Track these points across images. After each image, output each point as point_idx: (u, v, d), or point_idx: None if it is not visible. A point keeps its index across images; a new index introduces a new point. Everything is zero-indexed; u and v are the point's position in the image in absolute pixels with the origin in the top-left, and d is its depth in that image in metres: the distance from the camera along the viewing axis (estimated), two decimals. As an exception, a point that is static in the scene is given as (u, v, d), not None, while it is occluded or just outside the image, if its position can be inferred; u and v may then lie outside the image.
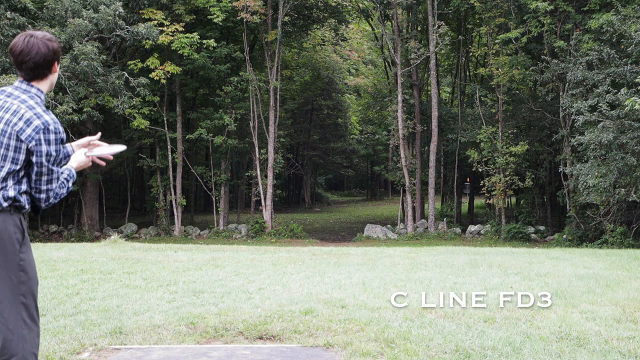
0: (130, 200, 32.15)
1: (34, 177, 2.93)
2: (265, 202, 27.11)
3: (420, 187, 28.59)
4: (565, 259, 10.32)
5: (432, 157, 27.06)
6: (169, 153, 27.27)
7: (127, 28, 23.32)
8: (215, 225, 27.93)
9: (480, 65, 29.98)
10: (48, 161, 2.91)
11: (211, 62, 26.11)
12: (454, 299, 5.89)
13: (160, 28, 24.10)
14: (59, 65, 3.10)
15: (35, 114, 2.89)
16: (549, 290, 6.81)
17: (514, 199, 31.79)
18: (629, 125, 18.54)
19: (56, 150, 2.92)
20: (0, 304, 2.87)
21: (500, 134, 25.35)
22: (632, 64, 19.59)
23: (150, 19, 24.31)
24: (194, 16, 25.98)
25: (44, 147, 2.88)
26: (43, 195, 2.97)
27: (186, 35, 24.32)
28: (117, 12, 22.69)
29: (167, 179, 27.75)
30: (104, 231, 26.94)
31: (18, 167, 2.90)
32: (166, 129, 27.05)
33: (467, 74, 33.89)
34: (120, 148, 3.37)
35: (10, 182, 2.90)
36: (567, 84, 22.29)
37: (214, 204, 28.67)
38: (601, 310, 5.73)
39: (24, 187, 2.94)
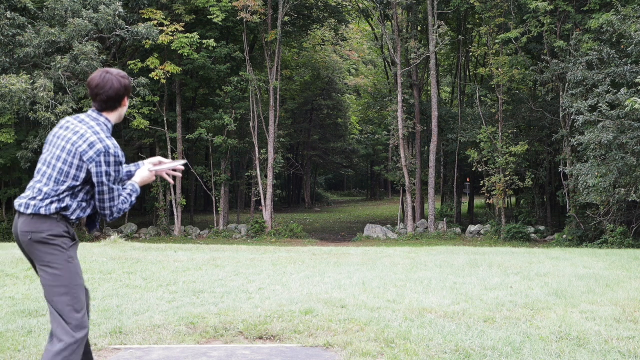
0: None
1: (97, 195, 3.28)
2: (265, 202, 27.12)
3: (420, 187, 28.60)
4: (565, 259, 10.32)
5: (432, 157, 27.07)
6: (169, 153, 27.26)
7: (127, 28, 23.32)
8: (215, 225, 27.93)
9: (480, 65, 29.99)
10: (108, 181, 3.25)
11: (211, 62, 26.11)
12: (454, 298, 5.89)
13: (160, 28, 24.11)
14: (128, 100, 3.49)
15: (98, 138, 3.24)
16: (549, 290, 6.82)
17: (514, 199, 31.80)
18: (629, 125, 18.54)
19: (115, 171, 3.26)
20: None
21: (500, 134, 25.36)
22: (632, 64, 19.59)
23: (150, 19, 24.32)
24: (194, 16, 25.98)
25: (103, 168, 3.22)
26: (107, 212, 3.32)
27: (186, 35, 24.33)
28: (117, 12, 22.69)
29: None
30: (104, 231, 26.94)
31: (78, 183, 3.25)
32: (166, 129, 27.05)
33: (467, 74, 33.90)
34: (181, 162, 3.71)
35: (66, 195, 3.25)
36: (567, 84, 22.29)
37: (214, 204, 28.67)
38: (601, 310, 5.73)
39: (76, 201, 3.28)
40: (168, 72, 24.62)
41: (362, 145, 49.30)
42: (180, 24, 24.76)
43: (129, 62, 25.42)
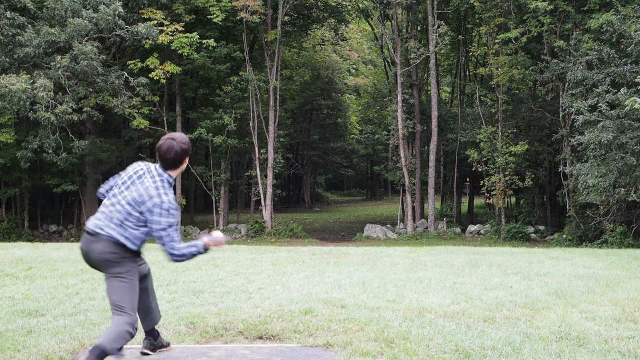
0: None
1: (158, 241, 3.97)
2: (265, 202, 27.11)
3: (420, 187, 28.59)
4: (565, 259, 10.32)
5: (432, 157, 27.06)
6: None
7: (127, 28, 23.31)
8: (215, 225, 27.93)
9: (480, 65, 29.98)
10: (162, 229, 3.92)
11: (211, 62, 26.10)
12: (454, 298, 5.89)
13: (160, 28, 24.09)
14: (188, 158, 4.19)
15: (158, 193, 3.97)
16: (549, 290, 6.82)
17: (514, 199, 31.79)
18: (629, 125, 18.54)
19: (168, 223, 3.92)
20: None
21: (500, 134, 25.35)
22: (632, 64, 19.58)
23: (150, 19, 24.30)
24: (194, 16, 25.97)
25: (155, 218, 3.92)
26: (168, 255, 3.97)
27: (186, 35, 24.31)
28: (117, 12, 22.68)
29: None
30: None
31: (129, 223, 3.96)
32: (166, 129, 27.03)
33: (467, 74, 33.89)
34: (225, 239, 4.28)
35: (120, 228, 3.96)
36: (567, 84, 22.28)
37: (214, 204, 28.67)
38: (601, 310, 5.73)
39: (126, 233, 3.97)
40: (168, 72, 24.61)
41: (362, 145, 49.29)
42: (180, 24, 24.74)
43: (129, 62, 25.41)
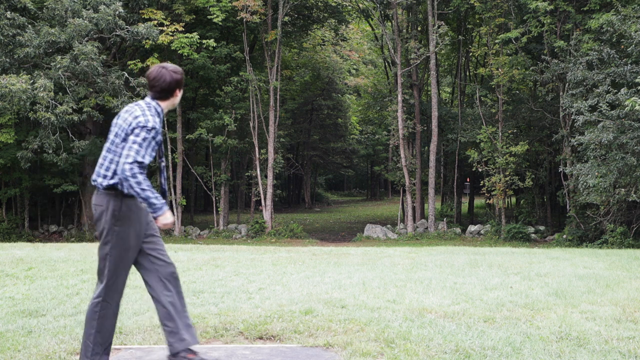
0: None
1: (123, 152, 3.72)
2: (265, 202, 27.11)
3: (420, 187, 28.60)
4: (565, 259, 10.32)
5: (432, 157, 27.07)
6: (169, 153, 27.27)
7: (127, 28, 23.31)
8: (215, 225, 27.93)
9: (480, 65, 29.99)
10: (138, 144, 3.68)
11: (211, 62, 26.10)
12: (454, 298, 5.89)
13: (160, 28, 24.09)
14: (181, 91, 4.00)
15: (143, 113, 3.78)
16: (549, 290, 6.82)
17: (514, 199, 31.80)
18: (629, 125, 18.54)
19: (144, 139, 3.69)
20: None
21: (500, 134, 25.36)
22: (632, 64, 19.58)
23: (150, 19, 24.31)
24: (194, 16, 25.98)
25: (132, 137, 3.70)
26: (121, 167, 3.68)
27: (186, 35, 24.32)
28: (117, 12, 22.68)
29: (167, 179, 27.74)
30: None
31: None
32: (166, 129, 27.04)
33: (467, 74, 33.90)
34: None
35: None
36: (567, 84, 22.29)
37: (214, 204, 28.67)
38: (601, 310, 5.73)
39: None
40: (168, 72, 24.58)
41: (362, 145, 49.29)
42: (180, 24, 24.75)
43: (129, 62, 25.42)
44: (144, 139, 3.69)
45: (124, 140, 3.74)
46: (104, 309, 3.89)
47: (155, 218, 3.79)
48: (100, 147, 27.36)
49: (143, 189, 3.63)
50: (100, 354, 3.88)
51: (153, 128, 3.73)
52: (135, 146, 3.66)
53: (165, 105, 3.93)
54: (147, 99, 3.91)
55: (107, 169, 3.80)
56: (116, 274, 3.91)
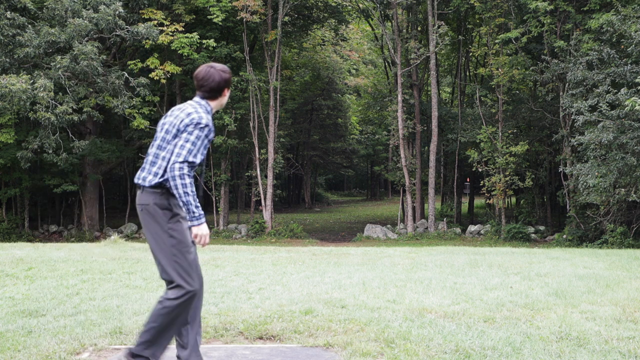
0: (131, 200, 32.07)
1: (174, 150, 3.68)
2: (265, 202, 27.11)
3: (420, 187, 28.60)
4: (565, 259, 10.32)
5: (432, 157, 27.07)
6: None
7: (127, 28, 23.31)
8: (215, 225, 27.93)
9: (480, 65, 29.99)
10: (191, 142, 3.64)
11: (211, 62, 26.08)
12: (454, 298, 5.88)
13: (160, 28, 24.09)
14: (229, 91, 3.96)
15: (196, 110, 3.73)
16: (549, 290, 6.82)
17: (514, 199, 31.80)
18: (629, 125, 18.54)
19: (197, 137, 3.66)
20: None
21: (500, 134, 25.36)
22: (632, 64, 19.58)
23: (150, 19, 24.30)
24: (194, 16, 25.97)
25: (184, 135, 3.65)
26: (171, 166, 3.64)
27: (186, 35, 24.32)
28: (117, 12, 22.68)
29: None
30: (104, 231, 26.95)
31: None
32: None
33: (467, 74, 33.90)
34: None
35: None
36: (567, 84, 22.29)
37: (214, 204, 28.67)
38: (601, 310, 5.73)
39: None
40: (168, 72, 24.61)
41: (362, 145, 49.28)
42: (180, 24, 24.75)
43: (129, 62, 25.42)
44: (198, 137, 3.64)
45: (175, 136, 3.69)
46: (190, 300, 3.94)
47: (190, 227, 3.83)
48: (100, 147, 27.31)
49: (186, 193, 3.59)
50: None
51: (207, 125, 3.68)
52: (188, 145, 3.62)
53: (214, 104, 3.89)
54: (197, 99, 3.86)
55: (159, 167, 3.73)
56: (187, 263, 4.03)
